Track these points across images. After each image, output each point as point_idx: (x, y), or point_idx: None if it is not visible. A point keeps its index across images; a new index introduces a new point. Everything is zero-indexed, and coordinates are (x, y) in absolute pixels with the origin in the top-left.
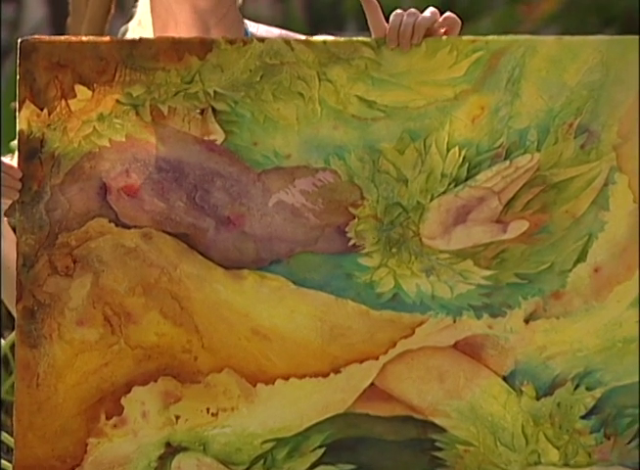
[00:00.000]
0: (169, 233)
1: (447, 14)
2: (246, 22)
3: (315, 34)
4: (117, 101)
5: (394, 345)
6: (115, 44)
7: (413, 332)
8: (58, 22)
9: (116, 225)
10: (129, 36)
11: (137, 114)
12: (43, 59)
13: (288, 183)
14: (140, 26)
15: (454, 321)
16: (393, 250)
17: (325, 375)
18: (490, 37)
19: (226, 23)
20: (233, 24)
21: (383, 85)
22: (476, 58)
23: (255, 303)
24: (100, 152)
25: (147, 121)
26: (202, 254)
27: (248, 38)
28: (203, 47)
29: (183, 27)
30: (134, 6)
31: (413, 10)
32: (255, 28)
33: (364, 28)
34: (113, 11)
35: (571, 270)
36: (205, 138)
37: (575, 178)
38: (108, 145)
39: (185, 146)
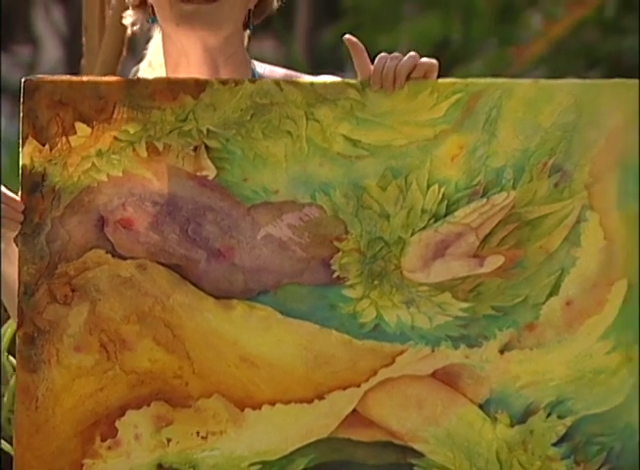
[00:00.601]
0: (163, 264)
1: (426, 59)
2: (254, 62)
3: (317, 75)
4: (115, 138)
5: (376, 373)
6: (114, 84)
7: (393, 361)
8: (73, 63)
9: (113, 256)
10: (140, 76)
11: (134, 150)
12: (45, 97)
13: (276, 217)
14: (150, 67)
15: (432, 351)
16: (375, 282)
17: (309, 401)
18: (469, 80)
19: (234, 62)
20: (241, 63)
21: (367, 125)
22: (455, 99)
23: (244, 331)
24: (98, 186)
25: (143, 157)
26: (193, 284)
27: (239, 79)
28: (197, 87)
29: (194, 65)
30: (145, 48)
31: (396, 54)
32: (262, 69)
33: None
34: (124, 53)
35: (544, 303)
36: (198, 174)
37: (549, 216)
38: (105, 180)
39: (179, 181)
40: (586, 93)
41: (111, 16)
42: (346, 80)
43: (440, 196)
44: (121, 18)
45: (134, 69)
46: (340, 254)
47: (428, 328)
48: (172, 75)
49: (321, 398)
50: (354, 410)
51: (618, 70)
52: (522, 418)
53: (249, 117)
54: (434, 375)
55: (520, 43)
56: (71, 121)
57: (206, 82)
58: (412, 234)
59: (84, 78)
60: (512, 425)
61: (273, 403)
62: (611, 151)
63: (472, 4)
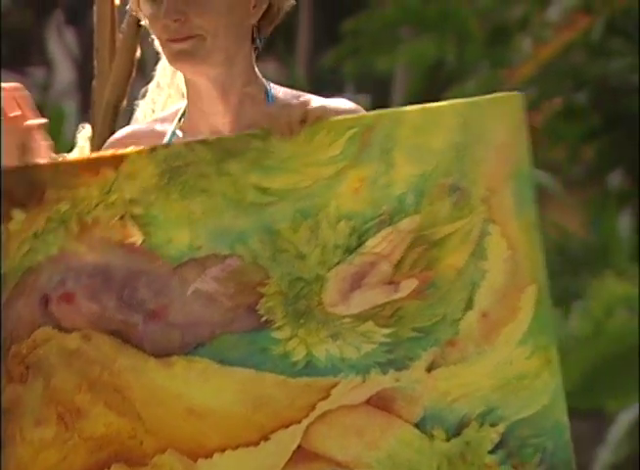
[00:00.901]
0: (105, 331)
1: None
2: (270, 83)
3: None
4: (48, 218)
5: (314, 408)
6: (43, 168)
7: (329, 394)
8: (84, 85)
9: (59, 331)
10: (149, 97)
11: (66, 228)
12: None
13: (201, 272)
14: (159, 88)
15: (364, 379)
16: (301, 320)
17: (256, 443)
18: (361, 114)
19: (243, 82)
20: (250, 82)
21: (273, 172)
22: (350, 135)
23: (186, 385)
24: (38, 266)
25: (75, 233)
26: (135, 346)
27: (154, 146)
28: (115, 160)
29: (206, 95)
30: (153, 69)
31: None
32: (277, 90)
33: (361, 90)
34: (134, 74)
35: (461, 319)
36: (127, 241)
37: (453, 234)
38: (43, 260)
39: (110, 250)
40: (471, 112)
41: (121, 39)
42: (250, 132)
43: (350, 230)
44: (131, 41)
45: (143, 90)
46: (264, 298)
47: (356, 358)
48: (193, 108)
49: (266, 438)
50: (299, 446)
51: (605, 90)
52: (456, 431)
53: (166, 181)
54: (369, 402)
55: (511, 65)
56: (7, 209)
57: (123, 155)
58: (329, 270)
59: (14, 166)
60: (448, 439)
61: (223, 450)
62: (502, 164)
63: (465, 28)
